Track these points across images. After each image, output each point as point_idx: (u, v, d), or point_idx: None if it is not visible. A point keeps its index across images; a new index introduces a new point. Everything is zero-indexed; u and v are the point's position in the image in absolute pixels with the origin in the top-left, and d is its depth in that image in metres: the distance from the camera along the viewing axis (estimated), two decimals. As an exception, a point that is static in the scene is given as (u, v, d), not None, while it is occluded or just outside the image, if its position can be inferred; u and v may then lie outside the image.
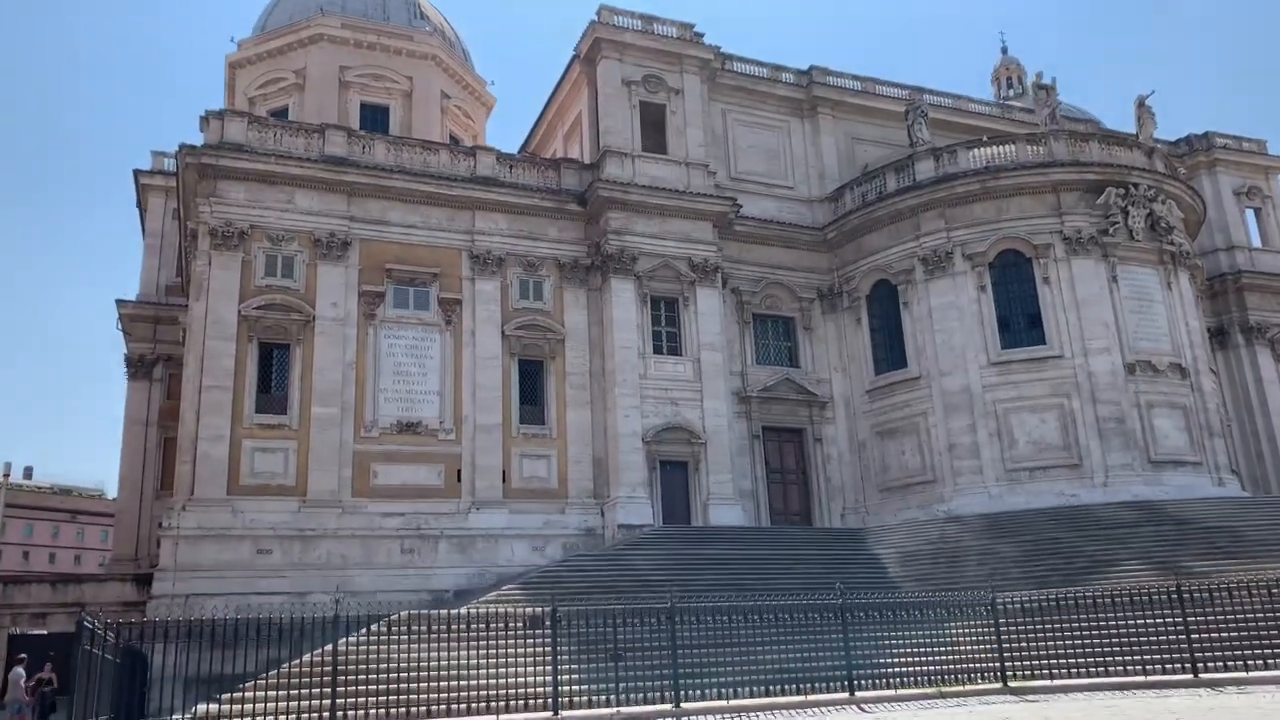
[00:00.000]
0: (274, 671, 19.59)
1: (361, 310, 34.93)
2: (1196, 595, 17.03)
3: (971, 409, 36.86)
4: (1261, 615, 16.92)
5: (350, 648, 17.71)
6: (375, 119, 49.76)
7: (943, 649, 18.02)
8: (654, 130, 40.17)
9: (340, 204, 35.46)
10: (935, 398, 37.73)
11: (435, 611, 16.52)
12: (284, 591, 29.83)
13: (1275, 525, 27.47)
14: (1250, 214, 51.43)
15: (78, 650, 14.90)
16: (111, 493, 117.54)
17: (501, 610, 16.46)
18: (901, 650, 17.92)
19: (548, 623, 15.80)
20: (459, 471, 34.66)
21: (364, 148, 36.49)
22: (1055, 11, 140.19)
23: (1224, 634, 17.02)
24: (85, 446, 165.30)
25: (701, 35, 41.49)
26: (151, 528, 44.43)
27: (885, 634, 17.89)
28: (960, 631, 18.03)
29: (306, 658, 18.23)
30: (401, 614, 16.90)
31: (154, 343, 47.08)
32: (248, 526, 31.09)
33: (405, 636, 15.92)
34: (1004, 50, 71.93)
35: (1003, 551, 27.27)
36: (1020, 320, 37.82)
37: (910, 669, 17.60)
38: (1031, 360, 36.96)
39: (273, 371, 33.64)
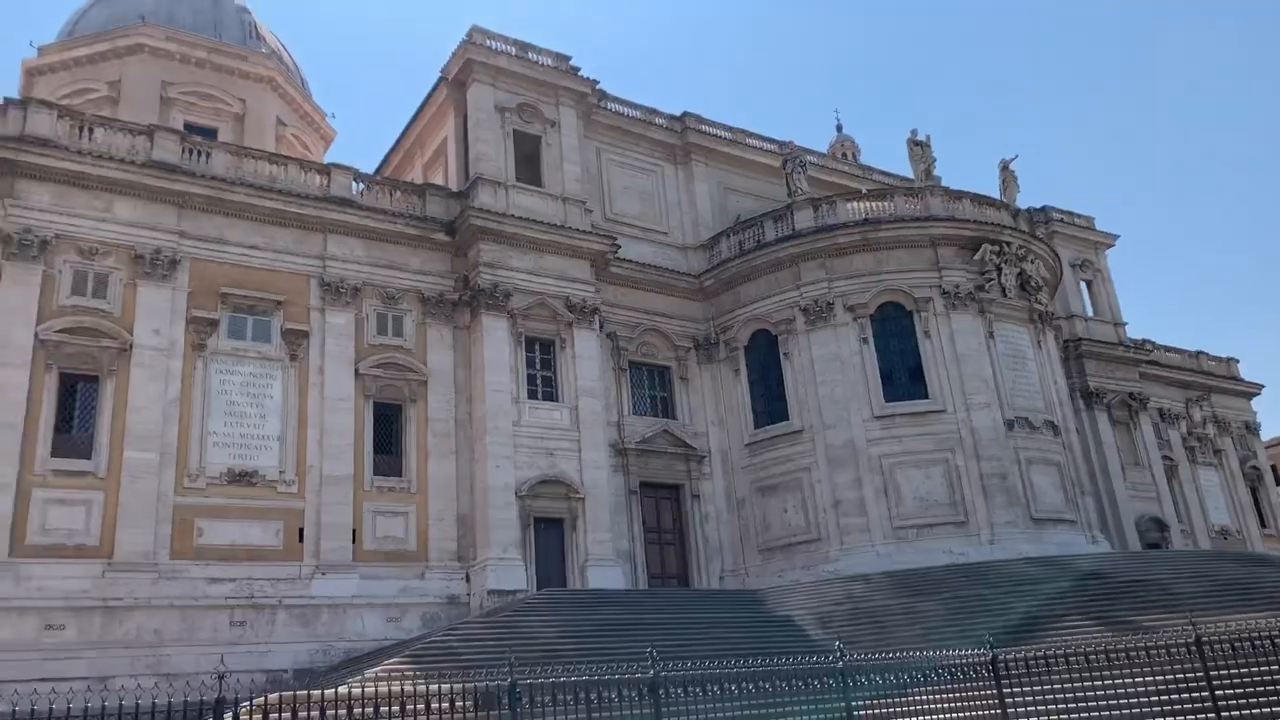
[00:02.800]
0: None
1: (189, 340, 29.82)
2: (1218, 647, 15.48)
3: (857, 464, 35.47)
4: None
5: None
6: (201, 141, 44.46)
7: (942, 715, 15.63)
8: (528, 163, 37.44)
9: (169, 217, 30.45)
10: (819, 452, 36.16)
11: (335, 690, 12.48)
12: (80, 676, 24.02)
13: (1192, 578, 27.09)
14: (1084, 286, 53.94)
15: None
16: None
17: (408, 689, 12.62)
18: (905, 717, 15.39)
19: (504, 699, 12.12)
20: (301, 530, 29.76)
21: (201, 155, 31.72)
22: (882, 92, 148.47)
23: (1242, 686, 15.53)
24: None
25: (578, 69, 39.42)
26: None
27: (870, 700, 15.30)
28: (951, 695, 15.74)
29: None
30: (279, 695, 12.73)
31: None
32: (34, 596, 25.13)
33: (297, 726, 11.83)
34: (839, 128, 74.00)
35: (928, 610, 25.43)
36: (903, 373, 37.05)
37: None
38: (915, 414, 36.11)
39: (76, 408, 27.96)
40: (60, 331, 27.82)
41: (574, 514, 33.29)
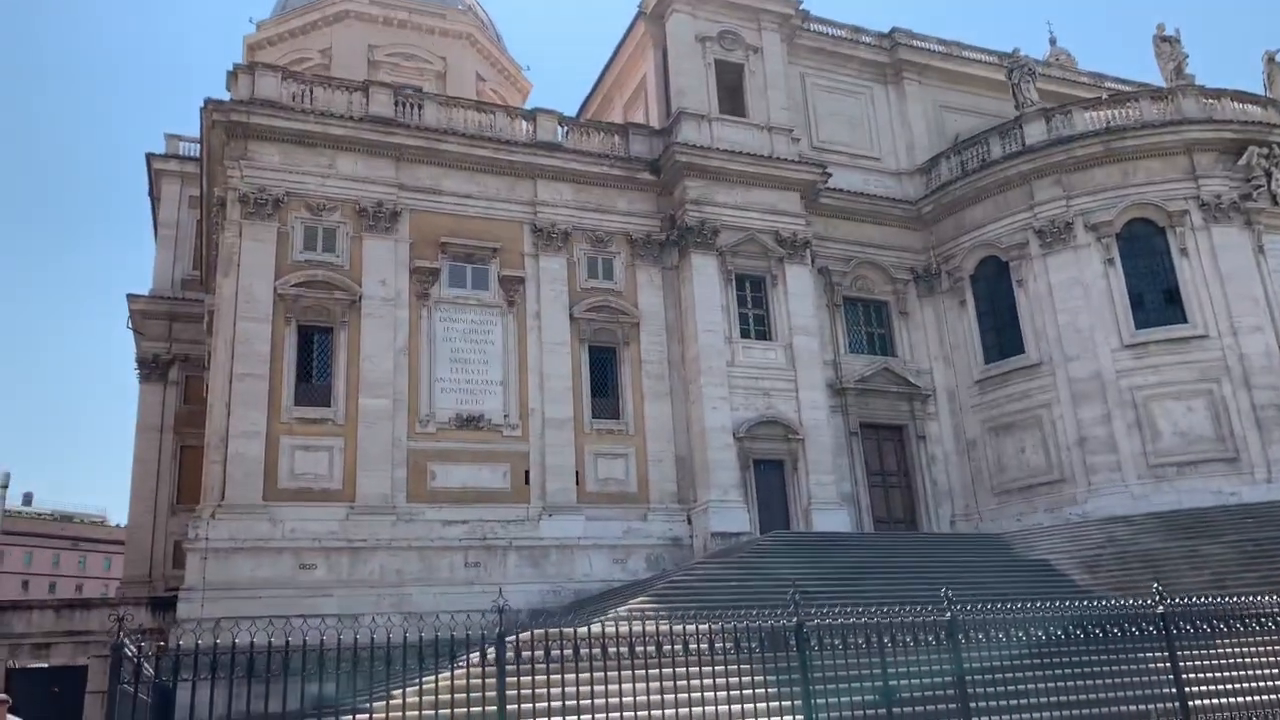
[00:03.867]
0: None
1: (413, 289, 30.44)
2: None
3: (1104, 397, 32.32)
4: None
5: (474, 681, 13.13)
6: (407, 101, 45.43)
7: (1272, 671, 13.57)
8: (730, 93, 35.91)
9: (388, 170, 31.07)
10: (1060, 386, 33.19)
11: (615, 626, 11.87)
12: (331, 613, 24.99)
13: None
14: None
15: (112, 686, 10.42)
16: (114, 519, 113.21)
17: (689, 629, 11.83)
18: (1230, 674, 13.42)
19: (791, 640, 11.20)
20: (527, 472, 30.05)
21: (413, 107, 32.14)
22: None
23: None
24: (87, 471, 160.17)
25: (779, -11, 37.33)
26: (167, 546, 39.93)
27: (1193, 650, 13.37)
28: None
29: (424, 687, 13.64)
30: (558, 630, 12.22)
31: (169, 342, 42.60)
32: (288, 537, 26.45)
33: (570, 662, 11.28)
34: (1052, 41, 67.83)
35: (1214, 554, 22.76)
36: (1155, 297, 33.38)
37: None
38: (1172, 341, 32.47)
39: (314, 358, 29.09)
40: (296, 285, 28.94)
41: (794, 455, 32.08)
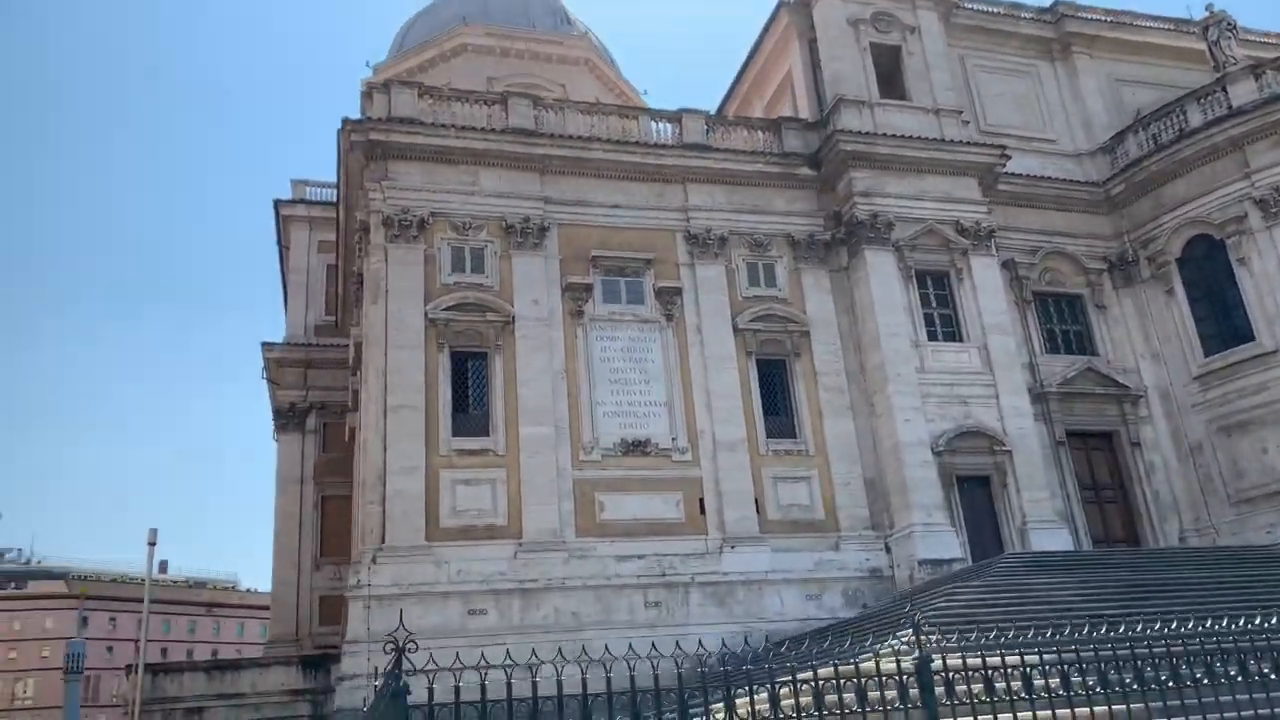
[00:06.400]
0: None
1: (566, 308, 28.05)
2: None
3: (1365, 384, 27.69)
4: None
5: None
6: (528, 131, 43.71)
7: None
8: (887, 78, 32.85)
9: (532, 183, 28.94)
10: (1306, 374, 28.66)
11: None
12: (503, 663, 22.27)
13: None
14: None
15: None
16: (245, 584, 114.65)
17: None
18: None
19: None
20: (701, 500, 27.02)
21: (554, 115, 30.07)
22: None
23: None
24: (217, 535, 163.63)
25: (930, -33, 34.34)
26: (313, 602, 38.16)
27: None
28: None
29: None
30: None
31: (305, 389, 41.30)
32: (455, 580, 23.95)
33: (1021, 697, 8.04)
34: (1209, 6, 62.74)
35: None
36: None
37: None
38: None
39: (469, 385, 26.83)
40: (446, 309, 26.85)
41: (1000, 470, 28.26)
